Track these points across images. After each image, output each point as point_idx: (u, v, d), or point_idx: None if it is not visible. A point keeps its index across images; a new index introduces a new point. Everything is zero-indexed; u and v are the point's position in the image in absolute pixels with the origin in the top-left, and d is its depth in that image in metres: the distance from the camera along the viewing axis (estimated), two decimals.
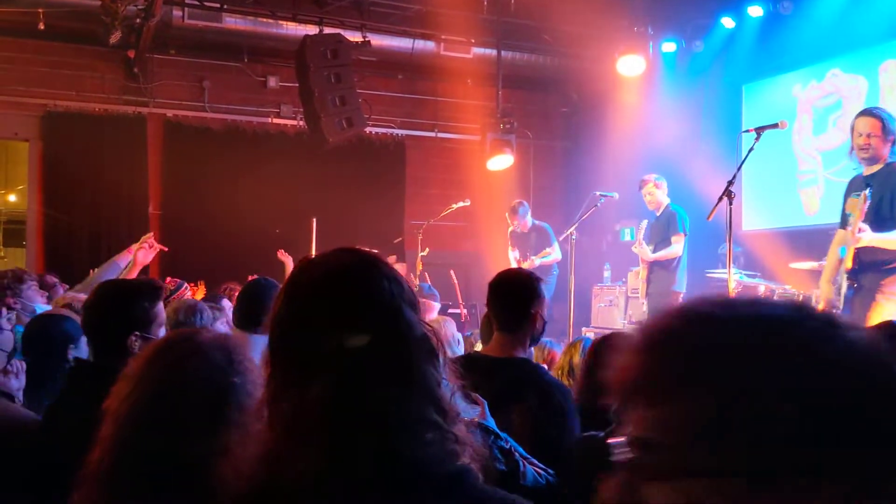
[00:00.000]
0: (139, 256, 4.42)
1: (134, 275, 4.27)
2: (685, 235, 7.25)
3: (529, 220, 8.51)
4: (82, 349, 2.97)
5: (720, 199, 4.71)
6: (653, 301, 7.45)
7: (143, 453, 1.43)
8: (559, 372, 3.61)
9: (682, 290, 7.45)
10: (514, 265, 8.30)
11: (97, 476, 1.43)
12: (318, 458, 1.09)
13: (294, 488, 1.09)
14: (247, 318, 3.25)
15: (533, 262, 8.16)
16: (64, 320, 3.03)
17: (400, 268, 5.95)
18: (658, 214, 7.45)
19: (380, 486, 1.08)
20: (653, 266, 7.40)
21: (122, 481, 1.43)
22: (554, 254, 8.30)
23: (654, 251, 7.36)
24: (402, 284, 1.22)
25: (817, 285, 7.22)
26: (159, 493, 1.42)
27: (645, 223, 7.55)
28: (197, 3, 8.82)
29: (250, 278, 7.00)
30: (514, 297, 2.88)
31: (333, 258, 1.24)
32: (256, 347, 3.08)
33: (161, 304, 2.66)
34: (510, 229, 8.58)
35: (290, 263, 6.72)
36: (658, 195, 7.40)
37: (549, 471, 2.32)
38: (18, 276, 4.02)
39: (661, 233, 7.36)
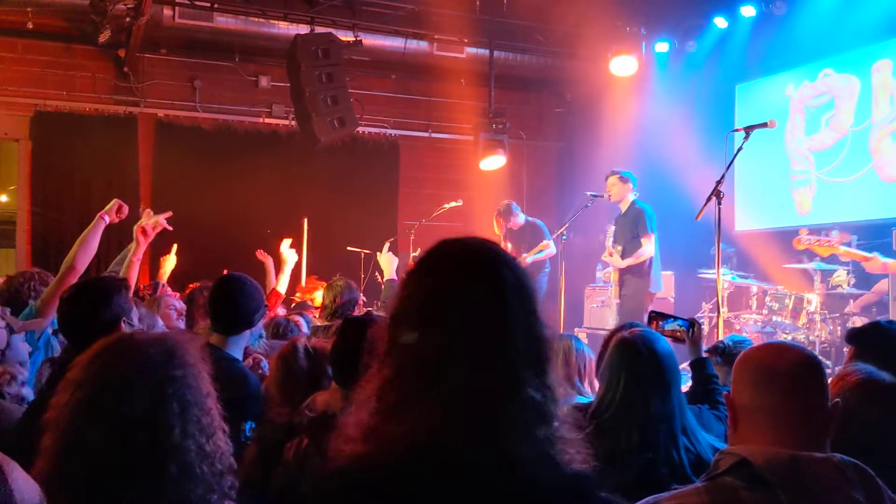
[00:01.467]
0: (147, 231, 4.14)
1: (140, 254, 4.09)
2: (654, 234, 7.11)
3: (521, 217, 8.45)
4: (13, 349, 2.98)
5: (709, 198, 4.69)
6: (627, 303, 7.26)
7: (84, 461, 1.41)
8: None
9: (658, 290, 7.33)
10: None
11: (42, 485, 1.41)
12: (478, 443, 1.10)
13: (451, 470, 1.10)
14: (228, 322, 3.00)
15: (524, 260, 8.08)
16: None
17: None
18: (623, 211, 7.33)
19: (534, 473, 1.11)
20: (624, 269, 7.25)
21: (66, 488, 1.40)
22: (549, 248, 8.23)
23: (623, 252, 7.18)
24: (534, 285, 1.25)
25: (812, 287, 7.24)
26: (106, 492, 1.40)
27: (611, 230, 7.44)
28: (188, 2, 8.77)
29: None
30: None
31: (479, 243, 1.25)
32: (237, 348, 3.04)
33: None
34: (500, 232, 8.51)
35: (270, 264, 6.62)
36: (621, 188, 7.25)
37: None
38: (44, 278, 4.00)
39: (628, 231, 7.20)
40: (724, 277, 7.26)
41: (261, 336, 3.98)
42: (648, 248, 7.08)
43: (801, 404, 1.64)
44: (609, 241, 7.35)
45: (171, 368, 1.49)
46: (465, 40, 9.91)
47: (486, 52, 9.40)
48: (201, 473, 1.44)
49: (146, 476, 1.40)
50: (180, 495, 1.41)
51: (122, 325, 2.54)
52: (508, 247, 8.43)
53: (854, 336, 2.74)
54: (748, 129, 4.80)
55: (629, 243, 7.19)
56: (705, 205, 4.73)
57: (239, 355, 3.03)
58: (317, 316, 5.92)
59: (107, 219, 3.89)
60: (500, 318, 1.15)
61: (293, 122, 9.64)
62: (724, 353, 3.26)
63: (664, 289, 8.48)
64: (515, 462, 1.10)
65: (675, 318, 3.19)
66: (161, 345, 1.53)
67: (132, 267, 4.10)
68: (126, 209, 4.14)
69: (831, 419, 1.65)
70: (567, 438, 1.17)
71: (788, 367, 1.66)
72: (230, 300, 3.01)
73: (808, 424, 1.63)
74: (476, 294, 1.17)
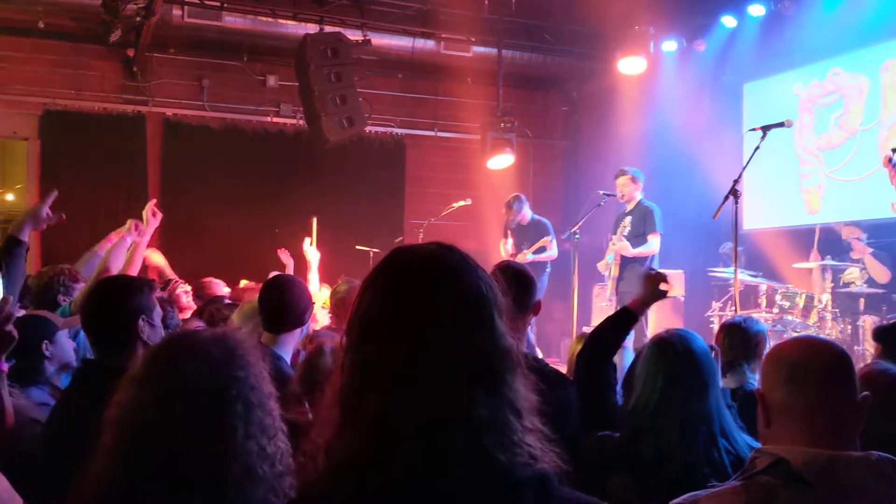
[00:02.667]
0: (156, 213, 4.30)
1: (140, 253, 4.18)
2: (660, 234, 7.14)
3: (528, 213, 8.44)
4: (59, 345, 3.00)
5: (726, 197, 4.70)
6: (624, 300, 7.21)
7: (149, 461, 1.41)
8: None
9: None
10: (504, 257, 8.24)
11: (101, 486, 1.41)
12: (411, 460, 1.08)
13: (386, 489, 1.08)
14: (276, 321, 3.08)
15: (525, 256, 8.03)
16: (35, 319, 3.12)
17: None
18: (629, 209, 7.33)
19: (472, 488, 1.08)
20: (626, 263, 7.22)
21: (128, 490, 1.41)
22: (551, 250, 8.20)
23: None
24: (496, 290, 1.19)
25: (820, 285, 7.24)
26: (167, 493, 1.40)
27: (628, 220, 7.41)
28: (197, 1, 8.77)
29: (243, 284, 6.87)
30: (522, 287, 2.75)
31: (435, 253, 1.19)
32: (287, 347, 3.06)
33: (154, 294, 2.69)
34: (507, 224, 8.52)
35: (291, 264, 6.64)
36: (631, 189, 7.30)
37: None
38: (73, 275, 4.00)
39: (635, 228, 7.20)
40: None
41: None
42: (655, 244, 7.11)
43: (833, 403, 1.64)
44: (624, 230, 7.29)
45: (233, 369, 1.49)
46: (473, 39, 9.91)
47: (494, 50, 9.39)
48: (262, 475, 1.44)
49: (209, 477, 1.40)
50: (242, 496, 1.41)
51: (140, 322, 2.50)
52: (509, 243, 8.42)
53: (882, 333, 2.74)
54: (765, 129, 4.81)
55: (634, 240, 7.20)
56: (723, 204, 4.75)
57: (287, 354, 3.06)
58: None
59: (129, 240, 3.92)
60: (441, 333, 1.11)
61: (301, 122, 9.64)
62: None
63: (674, 288, 8.49)
64: (450, 483, 1.07)
65: None
66: (222, 345, 1.52)
67: (138, 249, 4.14)
68: (158, 214, 4.18)
69: (862, 413, 1.65)
70: (532, 446, 1.13)
71: (819, 365, 1.66)
72: (282, 301, 3.07)
73: (842, 422, 1.64)
74: (414, 309, 1.12)
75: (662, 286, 2.90)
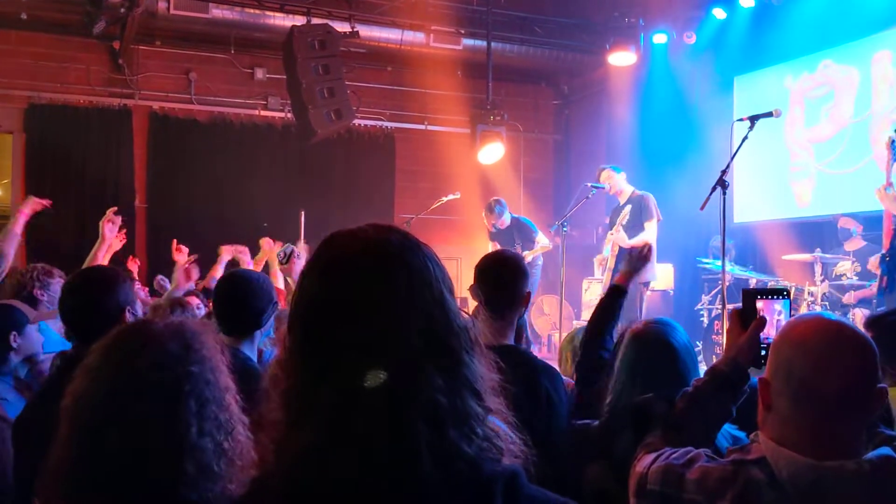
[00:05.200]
0: (106, 233, 4.47)
1: (107, 258, 4.29)
2: (659, 220, 7.01)
3: (507, 216, 8.29)
4: (27, 337, 2.96)
5: (713, 188, 4.65)
6: None
7: (101, 451, 1.36)
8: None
9: (653, 279, 7.20)
10: None
11: (59, 476, 1.36)
12: (374, 457, 1.01)
13: (349, 489, 1.02)
14: (235, 323, 2.77)
15: (525, 258, 7.95)
16: (4, 309, 3.09)
17: None
18: (623, 201, 7.20)
19: (440, 483, 1.02)
20: (622, 254, 7.09)
21: (82, 480, 1.36)
22: (542, 242, 8.11)
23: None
24: (443, 268, 1.12)
25: (812, 279, 7.21)
26: (121, 491, 1.35)
27: (627, 209, 7.30)
28: None
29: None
30: (506, 280, 2.70)
31: (375, 234, 1.11)
32: (248, 346, 2.91)
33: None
34: (488, 229, 8.33)
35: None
36: (617, 180, 7.20)
37: None
38: (48, 269, 3.99)
39: (632, 218, 7.04)
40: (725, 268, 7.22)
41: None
42: (651, 231, 6.91)
43: (841, 423, 1.54)
44: (623, 220, 7.21)
45: (188, 364, 1.43)
46: (462, 32, 9.85)
47: (483, 43, 9.32)
48: (219, 471, 1.38)
49: (161, 476, 1.35)
50: (198, 495, 1.36)
51: (127, 314, 2.47)
52: (490, 247, 8.31)
53: (874, 322, 2.68)
54: (753, 119, 4.77)
55: (632, 230, 7.10)
56: (710, 195, 4.70)
57: (252, 353, 2.82)
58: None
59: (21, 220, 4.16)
60: (392, 317, 1.04)
61: (289, 115, 9.58)
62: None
63: (664, 281, 8.46)
64: (410, 476, 1.01)
65: None
66: (179, 338, 1.46)
67: (94, 260, 4.29)
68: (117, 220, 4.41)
69: (876, 407, 1.54)
70: (495, 431, 1.08)
71: (834, 390, 1.52)
72: (236, 300, 2.81)
73: (847, 436, 1.55)
74: (360, 295, 1.05)
75: (645, 255, 3.09)
